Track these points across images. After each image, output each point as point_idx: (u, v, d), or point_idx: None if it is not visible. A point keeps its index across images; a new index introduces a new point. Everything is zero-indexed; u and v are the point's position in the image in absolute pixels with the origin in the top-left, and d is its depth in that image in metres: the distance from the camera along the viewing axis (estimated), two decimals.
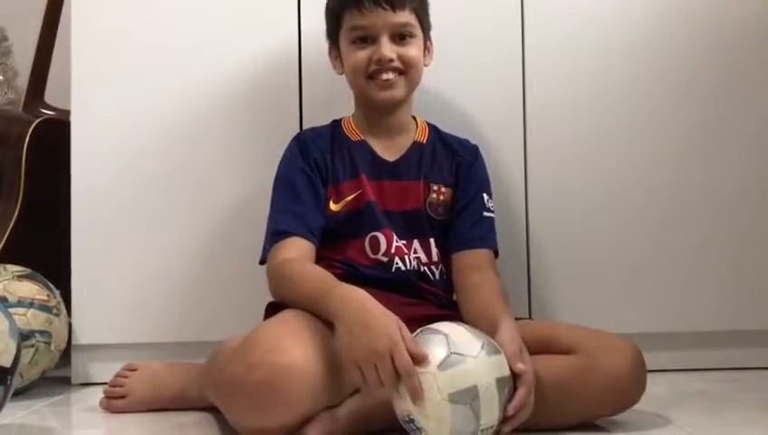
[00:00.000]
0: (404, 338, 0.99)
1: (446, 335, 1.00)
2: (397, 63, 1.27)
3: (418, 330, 1.04)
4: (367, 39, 1.27)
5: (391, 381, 0.98)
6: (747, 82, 1.54)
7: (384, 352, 0.98)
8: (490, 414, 0.98)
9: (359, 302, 1.05)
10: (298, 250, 1.21)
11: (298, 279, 1.16)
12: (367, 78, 1.28)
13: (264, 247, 1.26)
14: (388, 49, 1.26)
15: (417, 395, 0.97)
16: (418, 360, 0.98)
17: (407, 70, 1.28)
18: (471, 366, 0.98)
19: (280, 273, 1.19)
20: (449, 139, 1.38)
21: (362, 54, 1.27)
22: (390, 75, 1.27)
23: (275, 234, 1.23)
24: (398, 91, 1.29)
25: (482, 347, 1.00)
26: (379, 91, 1.28)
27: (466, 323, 1.10)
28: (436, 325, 1.04)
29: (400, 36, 1.27)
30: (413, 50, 1.28)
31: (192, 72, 1.54)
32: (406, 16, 1.27)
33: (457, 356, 0.98)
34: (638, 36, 1.54)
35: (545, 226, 1.52)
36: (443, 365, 0.97)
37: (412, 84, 1.31)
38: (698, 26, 1.54)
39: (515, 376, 1.03)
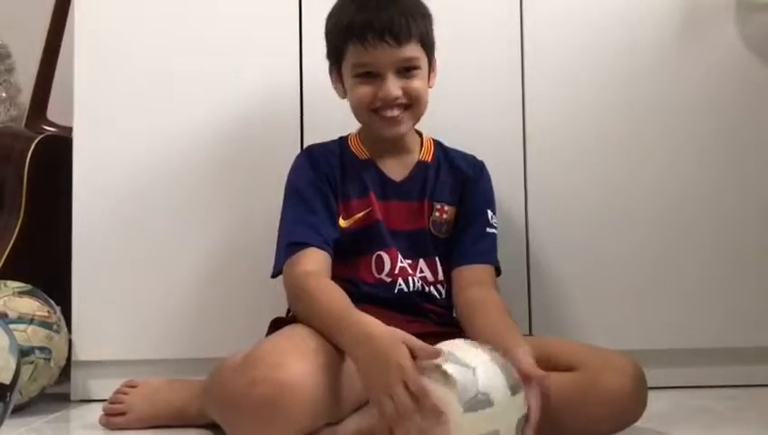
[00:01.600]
0: (414, 349, 0.97)
1: (473, 370, 0.96)
2: (402, 99, 1.25)
3: (446, 350, 0.98)
4: (370, 75, 1.25)
5: (408, 411, 0.94)
6: (753, 92, 1.54)
7: (395, 384, 0.95)
8: None
9: (367, 336, 1.02)
10: (316, 262, 1.20)
11: (316, 300, 1.14)
12: (371, 113, 1.27)
13: (278, 260, 1.25)
14: (394, 86, 1.23)
15: (437, 412, 0.93)
16: (436, 354, 0.96)
17: (412, 103, 1.26)
18: (498, 410, 0.94)
19: (299, 286, 1.17)
20: (455, 156, 1.38)
21: (367, 90, 1.25)
22: (396, 112, 1.26)
23: (291, 245, 1.22)
24: (403, 127, 1.28)
25: (508, 386, 0.96)
26: (384, 128, 1.28)
27: (470, 338, 1.09)
28: (462, 354, 0.98)
29: (406, 69, 1.25)
30: (418, 82, 1.26)
31: (193, 93, 1.54)
32: (411, 49, 1.24)
33: (484, 398, 0.94)
34: (638, 52, 1.54)
35: (545, 242, 1.52)
36: (468, 406, 0.93)
37: (417, 116, 1.29)
38: (700, 32, 1.55)
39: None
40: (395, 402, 0.95)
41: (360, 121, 1.33)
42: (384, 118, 1.26)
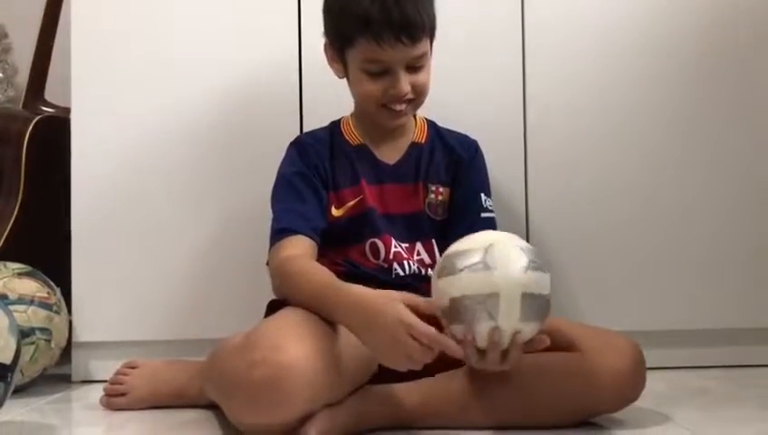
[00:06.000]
0: (415, 306, 1.01)
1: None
2: (410, 95, 1.25)
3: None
4: (381, 72, 1.23)
5: (425, 355, 0.99)
6: (750, 83, 1.54)
7: (404, 339, 0.98)
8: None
9: (357, 304, 1.04)
10: (301, 248, 1.20)
11: (301, 280, 1.14)
12: (378, 106, 1.26)
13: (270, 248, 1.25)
14: (405, 83, 1.23)
15: (456, 353, 0.98)
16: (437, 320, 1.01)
17: (417, 97, 1.26)
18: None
19: (283, 270, 1.18)
20: (448, 136, 1.37)
21: (376, 87, 1.24)
22: (403, 106, 1.26)
23: (278, 232, 1.22)
24: (406, 118, 1.30)
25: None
26: (389, 120, 1.28)
27: None
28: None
29: (414, 65, 1.24)
30: (424, 76, 1.26)
31: (192, 75, 1.53)
32: (422, 46, 1.23)
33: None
34: (638, 37, 1.54)
35: (545, 225, 1.52)
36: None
37: (419, 106, 1.30)
38: (699, 29, 1.54)
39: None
40: (412, 357, 0.98)
41: (363, 111, 1.32)
42: (391, 111, 1.26)
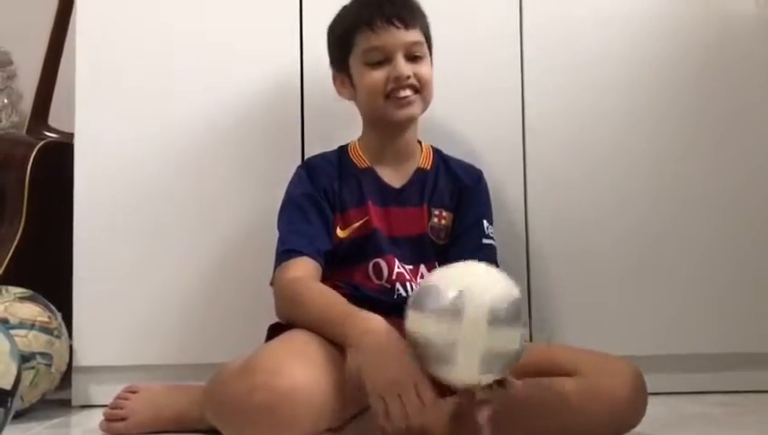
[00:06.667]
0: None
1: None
2: (413, 81, 1.27)
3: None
4: (381, 60, 1.27)
5: (417, 413, 0.98)
6: (749, 93, 1.55)
7: (408, 384, 0.99)
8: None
9: (378, 334, 1.04)
10: (305, 269, 1.21)
11: (308, 299, 1.15)
12: (384, 98, 1.28)
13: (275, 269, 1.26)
14: (405, 67, 1.26)
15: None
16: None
17: (421, 88, 1.29)
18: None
19: (288, 291, 1.18)
20: (453, 164, 1.38)
21: (379, 75, 1.27)
22: (408, 92, 1.27)
23: (283, 253, 1.23)
24: (415, 109, 1.30)
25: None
26: (397, 110, 1.29)
27: None
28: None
29: (413, 55, 1.28)
30: (425, 68, 1.29)
31: (194, 98, 1.55)
32: (416, 35, 1.28)
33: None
34: (633, 64, 1.55)
35: (544, 247, 1.53)
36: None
37: (426, 103, 1.31)
38: (697, 33, 1.56)
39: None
40: (404, 402, 0.98)
41: (369, 111, 1.33)
42: (397, 100, 1.27)
